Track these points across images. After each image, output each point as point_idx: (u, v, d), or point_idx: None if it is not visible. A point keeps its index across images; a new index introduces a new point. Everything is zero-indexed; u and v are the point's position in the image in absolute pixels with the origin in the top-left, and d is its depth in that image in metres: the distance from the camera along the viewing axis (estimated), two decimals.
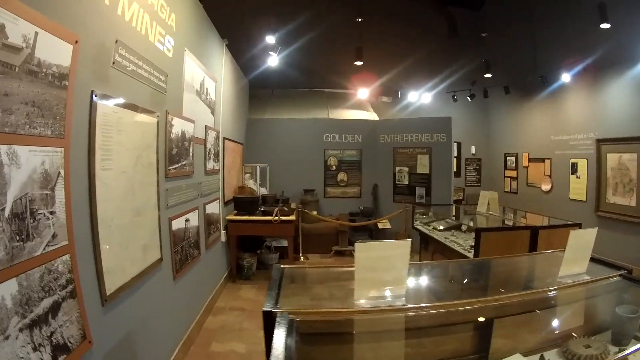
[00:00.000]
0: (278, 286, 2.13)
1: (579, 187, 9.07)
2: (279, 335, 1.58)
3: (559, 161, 9.77)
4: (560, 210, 9.25)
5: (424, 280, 2.70)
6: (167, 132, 3.85)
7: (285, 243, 7.93)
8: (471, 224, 6.22)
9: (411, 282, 2.38)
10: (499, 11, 7.56)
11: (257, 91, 10.55)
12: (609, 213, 8.24)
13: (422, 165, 9.60)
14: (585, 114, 9.04)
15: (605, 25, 5.89)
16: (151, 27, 3.40)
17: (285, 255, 7.88)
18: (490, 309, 2.09)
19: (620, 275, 2.48)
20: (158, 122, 3.56)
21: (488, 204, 6.32)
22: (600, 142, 8.45)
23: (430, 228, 6.23)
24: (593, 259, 2.65)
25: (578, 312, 2.59)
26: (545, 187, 10.23)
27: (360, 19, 9.79)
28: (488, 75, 9.61)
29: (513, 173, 11.73)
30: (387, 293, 2.03)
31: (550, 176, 10.09)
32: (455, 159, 12.17)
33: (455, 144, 12.20)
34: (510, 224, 6.20)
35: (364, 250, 1.99)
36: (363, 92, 10.69)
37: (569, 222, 5.30)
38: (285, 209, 7.29)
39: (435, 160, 9.53)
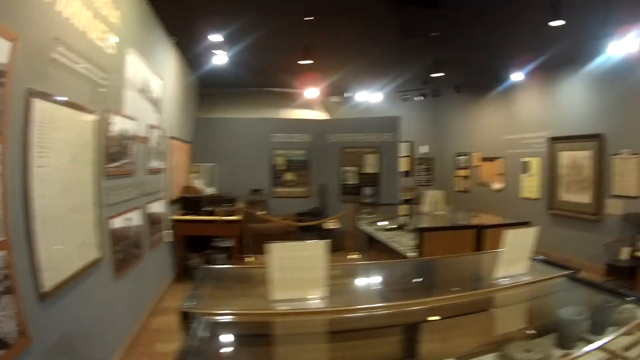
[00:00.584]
0: (199, 287, 2.16)
1: (531, 186, 9.30)
2: (191, 336, 1.64)
3: (511, 160, 9.99)
4: (512, 209, 9.54)
5: (358, 282, 2.72)
6: (106, 130, 3.85)
7: (230, 243, 7.89)
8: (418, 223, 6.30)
9: (343, 283, 2.43)
10: (454, 10, 7.73)
11: (208, 90, 10.50)
12: (563, 210, 8.49)
13: (370, 164, 9.78)
14: (538, 112, 9.27)
15: (557, 23, 6.01)
16: (93, 24, 3.41)
17: (231, 255, 7.86)
18: (421, 311, 2.07)
19: (565, 275, 2.49)
20: (97, 120, 3.56)
21: (435, 203, 6.56)
22: (553, 140, 8.67)
23: (374, 228, 6.39)
24: (544, 260, 2.73)
25: (519, 315, 2.57)
26: (497, 186, 10.44)
27: (309, 18, 9.94)
28: (438, 75, 9.80)
29: (465, 172, 11.93)
30: (306, 294, 2.04)
31: (502, 175, 10.29)
32: (407, 159, 12.51)
33: (407, 144, 12.49)
34: (458, 223, 6.31)
35: (278, 251, 2.01)
36: (313, 92, 10.65)
37: (515, 221, 5.60)
38: (230, 208, 7.31)
39: (383, 159, 9.67)
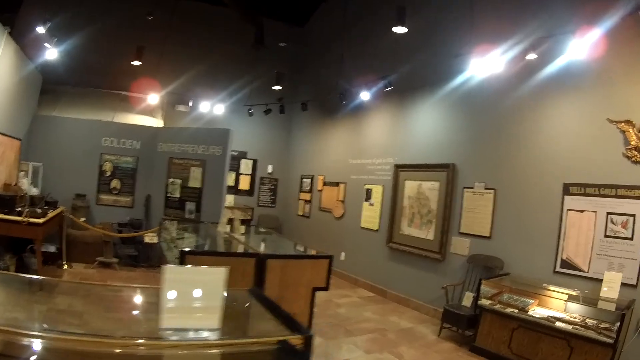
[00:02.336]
0: None
1: (371, 216, 8.73)
2: None
3: (354, 186, 9.47)
4: (350, 239, 9.17)
5: None
6: None
7: (53, 248, 7.89)
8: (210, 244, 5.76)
9: None
10: (320, 28, 7.70)
11: (51, 87, 9.92)
12: (403, 245, 7.82)
13: (195, 178, 9.17)
14: (386, 137, 8.75)
15: (400, 29, 6.19)
16: None
17: (51, 260, 7.66)
18: None
19: (278, 342, 1.71)
20: None
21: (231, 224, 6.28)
22: (399, 167, 8.07)
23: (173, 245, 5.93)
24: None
25: None
26: (337, 213, 9.92)
27: (150, 17, 9.73)
28: (278, 88, 9.95)
29: (307, 196, 11.36)
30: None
31: (343, 202, 9.79)
32: (249, 177, 12.08)
33: (251, 161, 12.12)
34: (238, 249, 5.44)
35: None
36: (154, 98, 10.26)
37: (312, 254, 4.99)
38: (38, 210, 6.69)
39: (208, 174, 9.09)
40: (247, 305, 2.37)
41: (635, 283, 5.07)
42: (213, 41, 10.97)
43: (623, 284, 5.04)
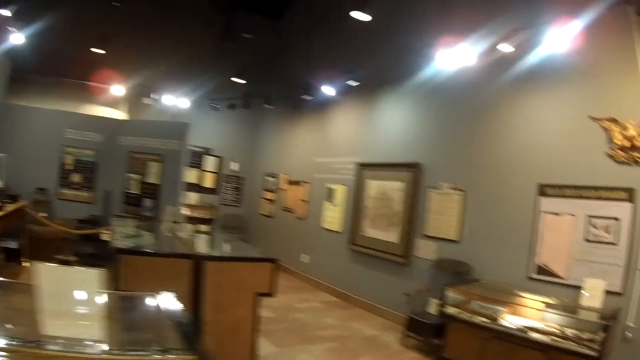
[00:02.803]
0: None
1: (334, 216, 8.35)
2: None
3: (317, 186, 9.07)
4: (312, 240, 8.75)
5: None
6: None
7: (14, 245, 7.62)
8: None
9: None
10: (294, 22, 7.38)
11: (21, 74, 9.46)
12: (365, 248, 7.42)
13: (153, 174, 8.72)
14: (351, 134, 8.38)
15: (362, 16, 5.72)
16: None
17: (12, 257, 7.37)
18: None
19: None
20: None
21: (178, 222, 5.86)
22: (362, 166, 7.68)
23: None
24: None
25: None
26: (300, 213, 9.55)
27: (117, 3, 9.32)
28: (241, 81, 10.00)
29: (272, 195, 10.95)
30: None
31: (306, 201, 9.39)
32: (214, 175, 11.61)
33: (217, 159, 11.67)
34: (176, 249, 4.91)
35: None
36: (119, 89, 9.97)
37: (252, 257, 4.59)
38: None
39: (167, 169, 8.73)
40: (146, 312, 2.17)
41: (620, 291, 4.74)
42: (181, 32, 10.50)
43: (607, 292, 4.73)
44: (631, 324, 4.65)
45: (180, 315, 1.94)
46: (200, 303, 3.54)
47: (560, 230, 5.24)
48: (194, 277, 3.61)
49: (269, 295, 3.96)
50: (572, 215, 5.17)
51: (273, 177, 11.15)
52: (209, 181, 11.75)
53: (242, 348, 3.89)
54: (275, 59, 11.48)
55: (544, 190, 5.42)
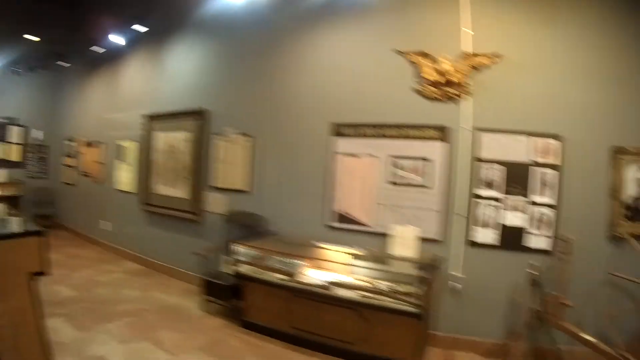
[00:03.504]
0: None
1: (127, 176, 7.41)
2: None
3: (111, 145, 8.02)
4: (113, 205, 7.84)
5: None
6: None
7: None
8: None
9: None
10: None
11: None
12: (158, 207, 6.55)
13: None
14: (141, 85, 7.35)
15: None
16: None
17: None
18: None
19: None
20: None
21: None
22: (150, 119, 6.73)
23: None
24: None
25: None
26: (97, 177, 8.44)
27: None
28: (34, 38, 8.73)
29: (71, 161, 9.65)
30: None
31: (102, 164, 8.29)
32: (21, 147, 10.06)
33: (22, 129, 10.05)
34: None
35: None
36: None
37: (8, 233, 3.51)
38: None
39: None
40: None
41: (439, 238, 4.37)
42: None
43: (424, 240, 4.37)
44: (457, 274, 4.35)
45: None
46: None
47: (361, 174, 4.70)
48: None
49: (42, 274, 3.20)
50: (374, 156, 4.64)
51: (72, 141, 9.77)
52: (16, 154, 10.09)
53: (30, 339, 3.15)
54: (66, 9, 9.73)
55: (339, 130, 4.82)
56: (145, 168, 6.77)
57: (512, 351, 4.06)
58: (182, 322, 4.84)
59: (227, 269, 4.94)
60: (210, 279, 4.98)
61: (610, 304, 3.93)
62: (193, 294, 5.66)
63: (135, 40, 7.22)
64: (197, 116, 5.94)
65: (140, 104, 7.18)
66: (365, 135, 4.63)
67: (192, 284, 5.94)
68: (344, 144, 4.75)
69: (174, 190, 6.28)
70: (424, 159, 4.40)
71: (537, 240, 4.24)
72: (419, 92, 4.45)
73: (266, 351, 4.14)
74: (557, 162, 4.19)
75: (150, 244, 6.89)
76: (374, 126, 4.60)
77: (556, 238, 4.18)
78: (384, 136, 4.55)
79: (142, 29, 6.94)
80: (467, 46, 4.31)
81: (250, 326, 4.50)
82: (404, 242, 4.31)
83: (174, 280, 6.36)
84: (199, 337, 4.41)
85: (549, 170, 4.20)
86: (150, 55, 7.18)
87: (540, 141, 4.20)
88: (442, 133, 4.35)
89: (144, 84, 7.27)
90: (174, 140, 6.27)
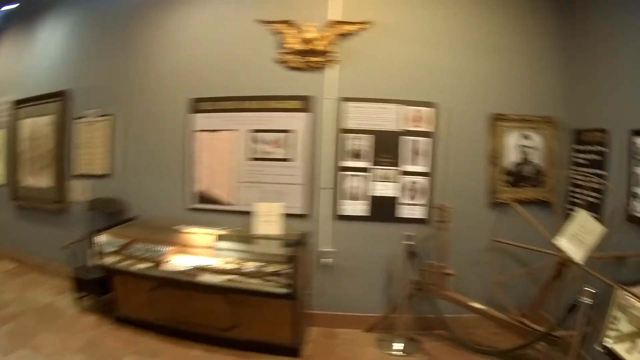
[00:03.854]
0: None
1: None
2: None
3: None
4: None
5: None
6: None
7: None
8: None
9: None
10: None
11: None
12: (26, 200, 6.11)
13: None
14: (8, 70, 6.76)
15: None
16: None
17: None
18: None
19: None
20: None
21: None
22: (16, 104, 6.26)
23: None
24: None
25: None
26: None
27: None
28: None
29: None
30: None
31: None
32: None
33: None
34: None
35: None
36: None
37: None
38: None
39: None
40: None
41: (305, 212, 4.29)
42: None
43: (289, 216, 4.28)
44: (328, 249, 4.27)
45: None
46: None
47: (219, 150, 4.52)
48: None
49: None
50: (233, 130, 4.46)
51: None
52: None
53: None
54: None
55: (197, 106, 4.60)
56: (13, 159, 6.31)
57: (396, 324, 3.99)
58: (58, 323, 4.54)
59: (93, 261, 4.57)
60: (78, 274, 4.69)
61: (497, 271, 3.94)
62: (67, 290, 5.31)
63: (7, 20, 6.71)
64: (57, 98, 5.54)
65: (9, 89, 6.66)
66: (224, 110, 4.43)
67: (64, 279, 5.59)
68: (202, 120, 4.52)
69: (40, 180, 5.87)
70: (287, 131, 4.25)
71: (412, 210, 4.19)
72: (281, 62, 4.29)
73: (142, 346, 3.93)
74: (430, 129, 4.12)
75: (20, 239, 6.47)
76: (234, 99, 4.39)
77: (432, 207, 4.15)
78: (245, 109, 4.37)
79: (11, 7, 6.46)
80: (337, 14, 4.18)
81: (124, 320, 4.28)
82: (269, 220, 4.15)
83: (47, 277, 5.99)
84: (75, 338, 4.15)
85: (421, 139, 4.13)
86: (21, 36, 6.68)
87: (411, 109, 4.11)
88: (305, 103, 4.21)
89: (13, 67, 6.76)
90: (36, 126, 5.85)
